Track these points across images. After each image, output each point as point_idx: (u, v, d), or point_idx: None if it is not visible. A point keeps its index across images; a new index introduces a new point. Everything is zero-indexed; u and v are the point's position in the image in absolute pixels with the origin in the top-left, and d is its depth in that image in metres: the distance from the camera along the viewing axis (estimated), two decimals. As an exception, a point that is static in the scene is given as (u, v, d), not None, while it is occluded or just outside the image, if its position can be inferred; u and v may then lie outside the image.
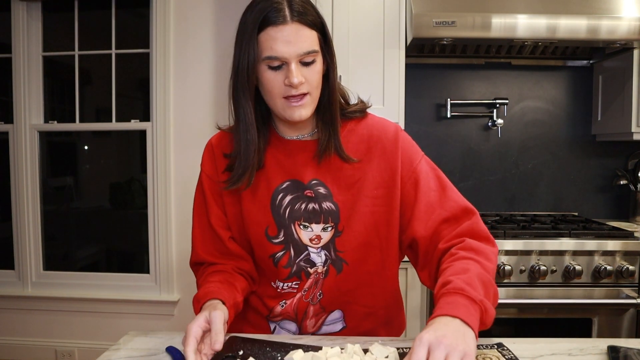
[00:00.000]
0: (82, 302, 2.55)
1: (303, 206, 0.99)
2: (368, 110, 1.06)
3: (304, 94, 0.91)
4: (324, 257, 1.00)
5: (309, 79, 0.91)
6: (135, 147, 2.71)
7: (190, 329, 0.83)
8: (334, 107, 0.97)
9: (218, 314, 0.84)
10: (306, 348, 0.86)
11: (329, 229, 0.99)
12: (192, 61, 2.48)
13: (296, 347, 0.86)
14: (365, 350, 0.83)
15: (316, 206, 0.99)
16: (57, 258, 2.71)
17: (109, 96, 2.60)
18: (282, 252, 1.00)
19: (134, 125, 2.56)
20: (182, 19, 2.46)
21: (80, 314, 2.57)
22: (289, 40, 0.87)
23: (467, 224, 0.96)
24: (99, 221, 2.85)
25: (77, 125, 2.62)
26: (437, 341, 0.69)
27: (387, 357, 0.80)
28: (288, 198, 0.99)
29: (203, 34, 2.46)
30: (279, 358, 0.83)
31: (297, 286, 1.02)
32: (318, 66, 0.92)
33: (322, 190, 0.99)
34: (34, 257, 2.62)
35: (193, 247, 1.07)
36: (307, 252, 1.00)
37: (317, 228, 0.99)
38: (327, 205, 0.99)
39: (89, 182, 2.90)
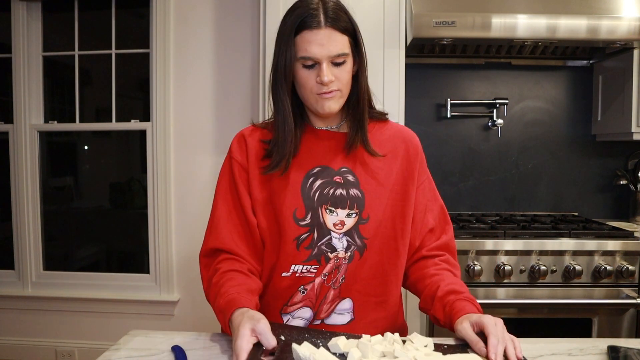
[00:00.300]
0: (82, 302, 2.55)
1: (331, 191, 1.05)
2: None
3: (335, 90, 1.01)
4: (345, 243, 1.05)
5: (339, 77, 1.01)
6: (135, 147, 2.71)
7: (241, 347, 0.80)
8: (363, 105, 1.07)
9: (265, 325, 0.84)
10: (347, 336, 0.88)
11: (353, 215, 1.05)
12: (192, 61, 2.48)
13: (334, 334, 0.89)
14: (404, 341, 0.87)
15: (344, 192, 1.05)
16: (57, 258, 2.71)
17: (109, 96, 2.60)
18: (306, 234, 1.04)
19: (134, 125, 2.56)
20: (182, 19, 2.46)
21: (80, 314, 2.57)
22: (322, 43, 0.97)
23: (445, 239, 1.14)
24: (99, 221, 2.85)
25: (77, 125, 2.62)
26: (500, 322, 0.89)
27: (426, 346, 0.86)
28: (318, 182, 1.06)
29: (203, 34, 2.46)
30: (320, 344, 0.84)
31: (315, 270, 1.04)
32: (348, 66, 1.02)
33: (350, 177, 1.07)
34: (34, 257, 2.62)
35: (213, 232, 1.07)
36: (329, 236, 1.04)
37: (342, 213, 1.05)
38: (354, 192, 1.06)
39: (89, 182, 2.90)
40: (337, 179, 1.06)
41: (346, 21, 1.01)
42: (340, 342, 0.82)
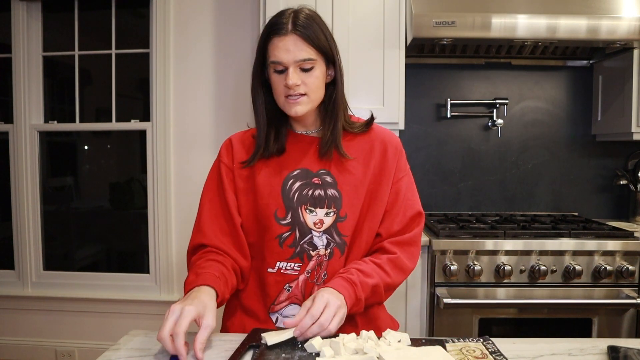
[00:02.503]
0: (82, 302, 2.55)
1: (310, 192, 1.12)
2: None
3: (302, 95, 1.07)
4: (325, 241, 1.11)
5: (307, 82, 1.06)
6: (135, 147, 2.71)
7: (179, 330, 0.85)
8: (337, 114, 1.13)
9: (210, 323, 0.88)
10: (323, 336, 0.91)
11: (332, 214, 1.11)
12: (192, 61, 2.48)
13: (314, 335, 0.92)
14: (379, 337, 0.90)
15: (322, 192, 1.12)
16: (57, 258, 2.71)
17: (109, 96, 2.60)
18: (288, 233, 1.11)
19: (134, 125, 2.56)
20: (182, 19, 2.46)
21: (80, 314, 2.57)
22: (288, 48, 1.04)
23: (407, 237, 1.15)
24: (99, 221, 2.85)
25: (77, 125, 2.62)
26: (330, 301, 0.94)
27: (399, 341, 0.88)
28: (297, 184, 1.12)
29: (203, 34, 2.46)
30: (300, 345, 0.89)
31: (299, 268, 1.11)
32: (317, 72, 1.07)
33: (328, 179, 1.13)
34: (34, 257, 2.62)
35: (199, 229, 1.14)
36: (310, 235, 1.11)
37: (321, 213, 1.11)
38: (331, 192, 1.12)
39: (89, 182, 2.90)
40: (316, 180, 1.12)
41: (317, 31, 1.06)
42: (315, 342, 0.86)
